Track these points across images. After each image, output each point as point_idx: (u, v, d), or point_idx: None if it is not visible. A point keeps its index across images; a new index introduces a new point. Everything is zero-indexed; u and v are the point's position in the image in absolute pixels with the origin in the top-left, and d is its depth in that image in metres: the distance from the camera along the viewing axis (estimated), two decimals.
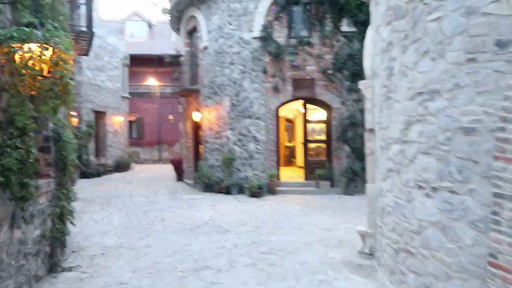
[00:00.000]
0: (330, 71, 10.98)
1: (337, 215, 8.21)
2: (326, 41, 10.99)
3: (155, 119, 23.59)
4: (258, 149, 11.24)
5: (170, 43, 23.15)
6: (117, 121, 19.34)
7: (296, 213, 8.48)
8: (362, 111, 10.78)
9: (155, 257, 5.48)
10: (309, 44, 11.01)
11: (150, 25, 25.96)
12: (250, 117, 11.32)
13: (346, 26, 10.87)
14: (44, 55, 3.06)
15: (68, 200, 5.44)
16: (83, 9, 12.42)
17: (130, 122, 23.28)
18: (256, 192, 10.54)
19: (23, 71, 3.03)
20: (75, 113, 13.21)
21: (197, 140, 13.83)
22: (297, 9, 11.32)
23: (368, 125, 5.50)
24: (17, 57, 3.03)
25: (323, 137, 11.95)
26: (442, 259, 3.13)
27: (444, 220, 3.11)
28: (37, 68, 3.11)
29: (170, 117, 23.06)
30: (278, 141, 11.59)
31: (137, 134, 23.98)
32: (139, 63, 23.06)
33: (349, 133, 10.94)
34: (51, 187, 5.02)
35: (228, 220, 7.80)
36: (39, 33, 3.22)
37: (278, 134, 11.60)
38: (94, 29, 16.58)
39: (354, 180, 10.83)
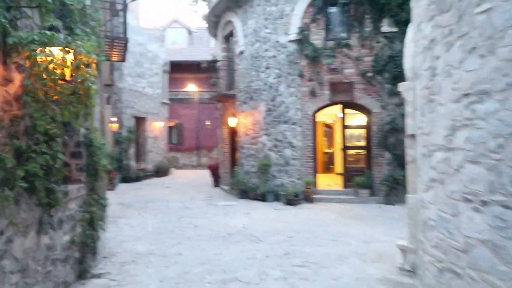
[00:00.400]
0: (369, 74, 10.53)
1: (376, 226, 7.76)
2: (365, 42, 10.56)
3: (194, 124, 23.89)
4: (294, 155, 10.96)
5: (209, 49, 23.40)
6: (157, 127, 19.73)
7: (333, 222, 8.11)
8: (403, 115, 10.24)
9: (184, 266, 5.35)
10: (347, 46, 10.62)
11: (190, 32, 26.43)
12: (286, 122, 11.08)
13: (386, 26, 10.37)
14: (66, 59, 3.01)
15: (99, 205, 5.44)
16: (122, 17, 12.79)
17: (170, 128, 23.73)
18: (292, 200, 10.25)
19: (44, 75, 2.98)
20: (115, 119, 13.56)
21: (233, 145, 13.75)
22: (335, 10, 10.98)
23: (408, 130, 5.10)
24: (38, 60, 2.98)
25: (362, 143, 11.47)
26: (494, 283, 2.73)
27: (496, 239, 2.72)
28: (58, 72, 3.06)
29: (207, 122, 23.26)
30: (315, 147, 11.25)
31: (177, 139, 24.39)
32: (179, 69, 23.51)
33: (390, 139, 10.41)
34: (82, 193, 5.04)
35: (262, 229, 7.58)
36: (61, 36, 3.17)
37: (315, 140, 11.26)
38: (135, 36, 17.02)
39: (395, 188, 10.27)
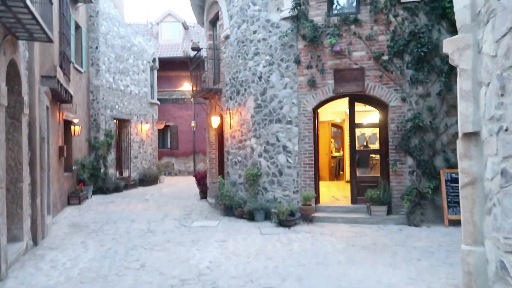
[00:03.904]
0: (385, 57, 8.18)
1: (398, 264, 5.42)
2: (379, 17, 8.21)
3: (191, 127, 21.69)
4: (289, 162, 8.66)
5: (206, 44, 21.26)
6: (144, 130, 17.62)
7: (337, 258, 5.80)
8: (431, 109, 7.90)
9: None
10: (356, 22, 8.29)
11: (186, 27, 24.32)
12: (279, 121, 8.79)
13: None
14: None
15: None
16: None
17: (162, 131, 21.62)
18: (286, 220, 7.96)
19: None
20: (77, 120, 11.44)
21: (222, 150, 11.52)
22: None
23: (464, 125, 2.81)
24: None
25: (376, 146, 9.12)
26: None
27: None
28: None
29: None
30: (317, 152, 8.93)
31: (171, 143, 22.24)
32: (173, 67, 21.40)
33: (413, 141, 8.03)
34: None
35: (233, 271, 5.31)
36: None
37: (317, 143, 8.94)
38: (116, 28, 14.89)
39: (420, 205, 7.90)
